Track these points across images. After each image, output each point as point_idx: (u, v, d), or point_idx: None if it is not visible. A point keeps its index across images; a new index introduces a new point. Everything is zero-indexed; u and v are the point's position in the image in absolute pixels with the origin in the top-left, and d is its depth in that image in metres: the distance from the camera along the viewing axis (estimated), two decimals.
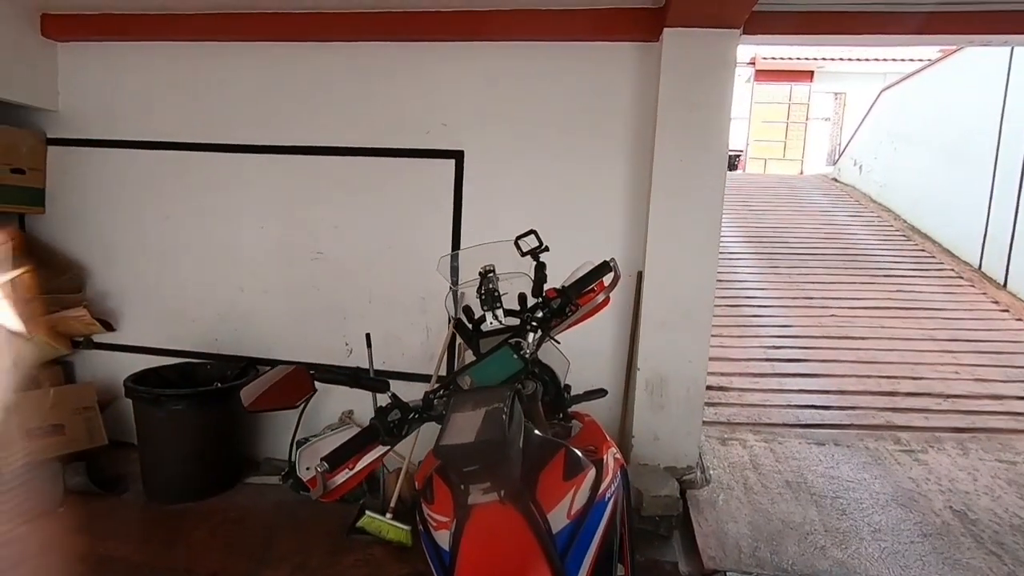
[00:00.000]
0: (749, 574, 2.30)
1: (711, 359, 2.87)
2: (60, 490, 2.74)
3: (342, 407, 3.18)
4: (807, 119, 14.32)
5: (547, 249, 1.46)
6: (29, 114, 3.27)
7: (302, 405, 1.29)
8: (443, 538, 1.06)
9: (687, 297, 2.74)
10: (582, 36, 2.81)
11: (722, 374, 4.21)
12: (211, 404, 2.89)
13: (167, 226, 3.29)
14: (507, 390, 1.13)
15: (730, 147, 2.91)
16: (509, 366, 1.26)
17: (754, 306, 5.49)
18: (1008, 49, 5.95)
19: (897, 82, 9.23)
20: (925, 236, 7.27)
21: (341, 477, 1.11)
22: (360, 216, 3.12)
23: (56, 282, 3.15)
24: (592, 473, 1.14)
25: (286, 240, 3.20)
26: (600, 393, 1.55)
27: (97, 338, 3.33)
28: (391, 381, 1.29)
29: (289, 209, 3.18)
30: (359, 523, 2.57)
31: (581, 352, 1.67)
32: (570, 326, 1.43)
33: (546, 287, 1.44)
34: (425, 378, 2.99)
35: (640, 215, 2.83)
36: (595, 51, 2.84)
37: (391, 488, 2.70)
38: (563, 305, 1.38)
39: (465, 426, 1.02)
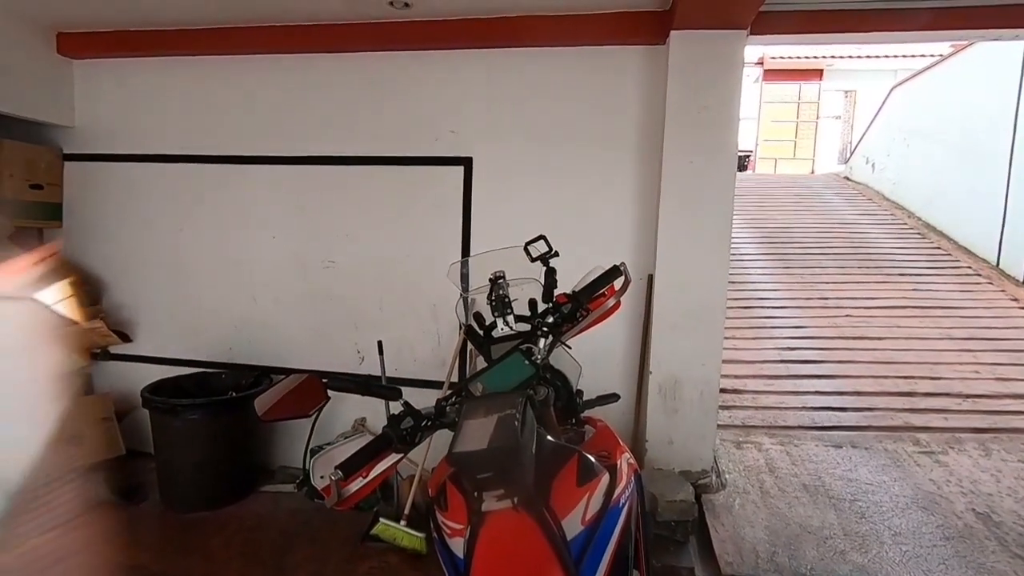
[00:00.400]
0: None
1: (724, 361, 2.85)
2: (78, 500, 2.77)
3: (355, 415, 3.20)
4: (817, 118, 14.19)
5: (557, 254, 1.47)
6: (46, 130, 3.33)
7: (315, 414, 1.30)
8: (457, 545, 1.06)
9: (699, 299, 2.73)
10: (589, 41, 2.82)
11: (736, 376, 4.18)
12: (226, 413, 2.92)
13: (181, 238, 3.34)
14: (519, 396, 1.13)
15: (739, 148, 2.90)
16: (521, 372, 1.26)
17: (767, 307, 5.44)
18: (1021, 43, 5.86)
19: (908, 79, 9.13)
20: (940, 233, 7.17)
21: (355, 485, 1.11)
22: (371, 224, 3.14)
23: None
24: (606, 478, 1.13)
25: (298, 250, 3.23)
26: (613, 398, 1.54)
27: (113, 349, 3.38)
28: (403, 388, 1.29)
29: (301, 219, 3.21)
30: (373, 530, 2.57)
31: (592, 356, 1.67)
32: (581, 331, 1.43)
33: (556, 292, 1.44)
34: (437, 384, 3.00)
35: (650, 218, 2.83)
36: (602, 55, 2.84)
37: (405, 495, 2.70)
38: (574, 310, 1.38)
39: (478, 433, 1.02)
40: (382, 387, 1.27)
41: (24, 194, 3.18)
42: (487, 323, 1.49)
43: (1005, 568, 2.32)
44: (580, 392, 1.43)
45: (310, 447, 3.05)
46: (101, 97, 3.34)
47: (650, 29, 2.72)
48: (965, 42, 6.96)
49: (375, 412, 3.15)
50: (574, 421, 1.42)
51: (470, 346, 2.92)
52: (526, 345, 1.30)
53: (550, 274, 1.46)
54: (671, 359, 2.77)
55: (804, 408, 3.82)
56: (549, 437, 1.18)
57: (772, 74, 13.86)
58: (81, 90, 3.35)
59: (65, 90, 3.31)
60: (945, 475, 3.02)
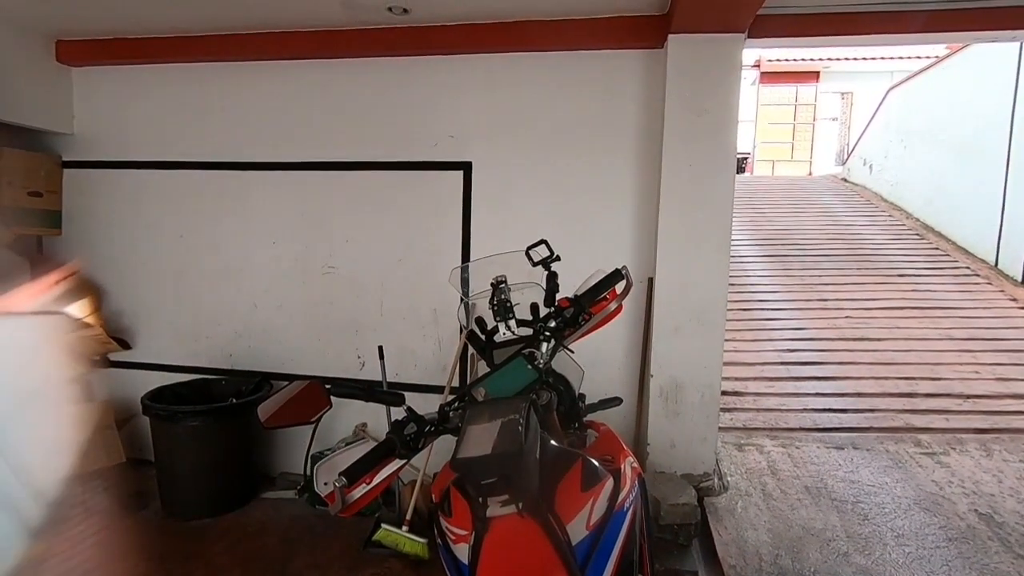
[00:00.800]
0: None
1: (725, 364, 2.85)
2: (78, 508, 2.76)
3: (355, 420, 3.19)
4: (814, 120, 14.23)
5: (558, 259, 1.47)
6: (45, 138, 3.34)
7: (317, 420, 1.30)
8: (462, 551, 1.06)
9: (699, 302, 2.73)
10: (587, 45, 2.83)
11: (737, 379, 4.18)
12: (227, 420, 2.91)
13: (181, 245, 3.34)
14: (523, 401, 1.13)
15: (737, 150, 2.90)
16: (523, 377, 1.26)
17: (767, 309, 5.45)
18: (1017, 44, 5.89)
19: (904, 80, 9.17)
20: (939, 234, 7.19)
21: (359, 491, 1.11)
22: (370, 229, 3.14)
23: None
24: (610, 483, 1.13)
25: (298, 255, 3.23)
26: (615, 401, 1.54)
27: (113, 356, 3.37)
28: (404, 393, 1.29)
29: (300, 225, 3.22)
30: (375, 536, 2.56)
31: (594, 360, 1.67)
32: (583, 335, 1.43)
33: (558, 296, 1.44)
34: (438, 389, 2.99)
35: (650, 221, 2.83)
36: (600, 59, 2.85)
37: (406, 501, 2.69)
38: (576, 314, 1.38)
39: (482, 438, 1.02)
40: (386, 393, 1.26)
41: (23, 201, 3.18)
42: (489, 328, 1.49)
43: (1008, 569, 2.32)
44: (583, 396, 1.43)
45: (311, 453, 3.05)
46: (100, 104, 3.34)
47: (648, 33, 2.73)
48: (960, 44, 6.99)
49: (376, 418, 3.15)
50: (577, 425, 1.41)
51: (471, 350, 2.92)
52: (529, 350, 1.30)
53: (552, 278, 1.46)
54: (672, 362, 2.77)
55: (805, 410, 3.82)
56: (553, 442, 1.17)
57: (769, 76, 13.91)
58: (80, 97, 3.35)
59: (64, 97, 3.31)
60: (947, 476, 3.02)
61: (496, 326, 1.47)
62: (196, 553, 2.60)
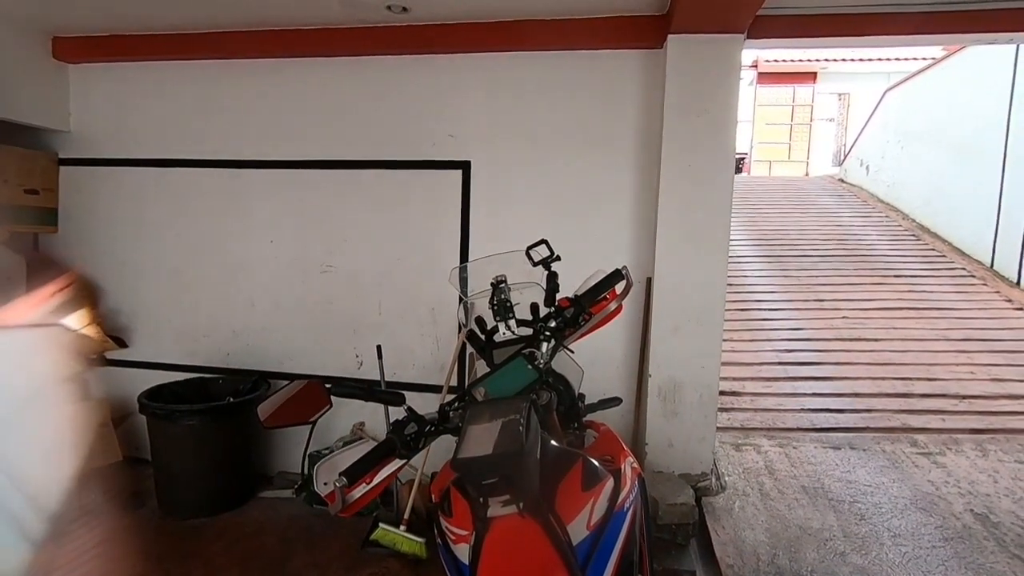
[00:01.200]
0: None
1: (722, 364, 2.85)
2: (75, 507, 2.75)
3: (353, 420, 3.19)
4: (811, 120, 14.28)
5: (559, 258, 1.47)
6: (42, 135, 3.32)
7: (316, 420, 1.30)
8: (462, 551, 1.05)
9: (698, 302, 2.73)
10: (586, 45, 2.83)
11: (734, 379, 4.19)
12: (224, 419, 2.90)
13: (178, 243, 3.32)
14: (523, 401, 1.13)
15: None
16: (524, 376, 1.26)
17: (764, 310, 5.46)
18: (1014, 46, 5.92)
19: (901, 81, 9.20)
20: (935, 235, 7.22)
21: (359, 491, 1.10)
22: (369, 228, 3.14)
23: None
24: (611, 483, 1.13)
25: (296, 254, 3.22)
26: (615, 401, 1.54)
27: (110, 354, 3.36)
28: (403, 393, 1.29)
29: (298, 223, 3.21)
30: (373, 536, 2.56)
31: (592, 360, 1.67)
32: (583, 335, 1.43)
33: (558, 296, 1.44)
34: (436, 388, 2.99)
35: (649, 221, 2.83)
36: (600, 59, 2.85)
37: (404, 500, 2.69)
38: (576, 314, 1.38)
39: (482, 438, 1.02)
40: (386, 393, 1.26)
41: (19, 199, 3.16)
42: (489, 327, 1.49)
43: (1004, 569, 2.33)
44: (582, 396, 1.43)
45: (309, 452, 3.04)
46: (97, 101, 3.33)
47: (647, 33, 2.73)
48: (957, 45, 7.02)
49: (374, 417, 3.14)
50: (576, 425, 1.41)
51: (469, 350, 2.92)
52: (529, 349, 1.30)
53: (552, 278, 1.46)
54: (670, 362, 2.78)
55: (802, 410, 3.83)
56: (553, 442, 1.17)
57: (766, 77, 13.94)
58: (77, 94, 3.34)
59: (60, 94, 3.30)
60: (943, 476, 3.04)
61: (496, 326, 1.47)
62: (194, 552, 2.59)
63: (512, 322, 1.44)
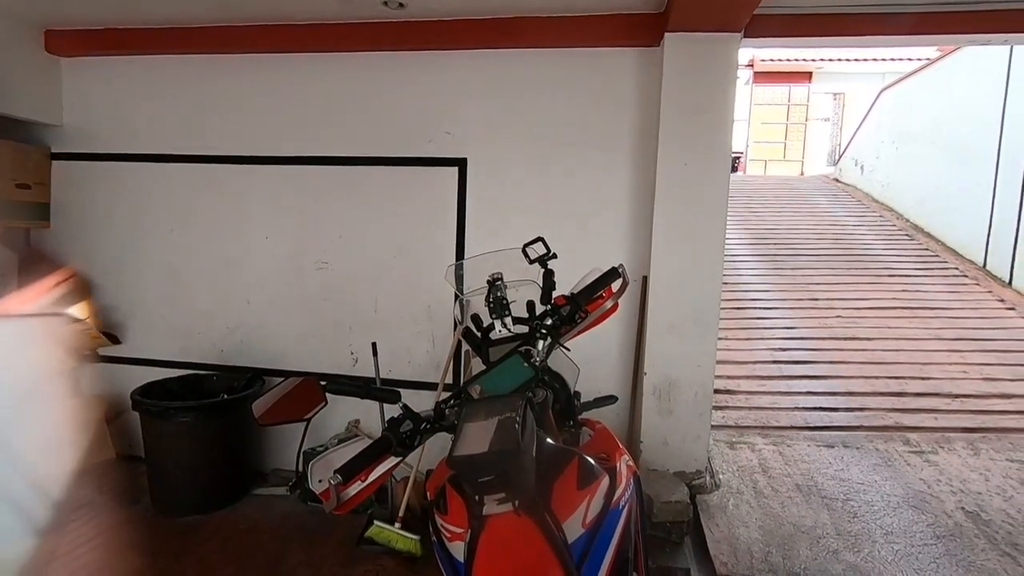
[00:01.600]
0: None
1: (717, 362, 2.86)
2: (72, 501, 2.74)
3: (348, 417, 3.18)
4: (807, 120, 14.32)
5: (555, 256, 1.46)
6: (34, 129, 3.29)
7: (312, 417, 1.29)
8: (457, 549, 1.05)
9: (693, 300, 2.74)
10: (583, 43, 2.82)
11: (729, 377, 4.20)
12: (218, 416, 2.89)
13: (172, 239, 3.30)
14: (519, 399, 1.13)
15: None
16: (520, 374, 1.26)
17: (759, 308, 5.48)
18: (1008, 47, 5.95)
19: (896, 82, 9.24)
20: (928, 235, 7.26)
21: (354, 489, 1.10)
22: (364, 225, 3.13)
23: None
24: (606, 481, 1.13)
25: (291, 251, 3.21)
26: (610, 400, 1.55)
27: (103, 351, 3.34)
28: (399, 390, 1.28)
29: (293, 220, 3.19)
30: (368, 533, 2.56)
31: (588, 358, 1.67)
32: (579, 333, 1.43)
33: (555, 294, 1.44)
34: (431, 386, 2.99)
35: (645, 219, 2.83)
36: (597, 57, 2.84)
37: (399, 498, 2.69)
38: (572, 312, 1.38)
39: (478, 436, 1.02)
40: (382, 390, 1.26)
41: (11, 194, 3.13)
42: (485, 325, 1.49)
43: (995, 566, 2.35)
44: (578, 394, 1.43)
45: (303, 449, 3.03)
46: (90, 96, 3.30)
47: (644, 31, 2.73)
48: (952, 46, 7.05)
49: (369, 414, 3.14)
50: (572, 423, 1.41)
51: (465, 348, 2.91)
52: (525, 347, 1.30)
53: (549, 276, 1.46)
54: (666, 360, 2.78)
55: (796, 408, 3.85)
56: (549, 440, 1.17)
57: (762, 76, 13.97)
58: (69, 88, 3.31)
59: (53, 88, 3.27)
60: (935, 474, 3.06)
61: (492, 323, 1.47)
62: (188, 550, 2.58)
63: (508, 320, 1.45)
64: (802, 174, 13.30)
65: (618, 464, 1.24)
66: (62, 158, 3.35)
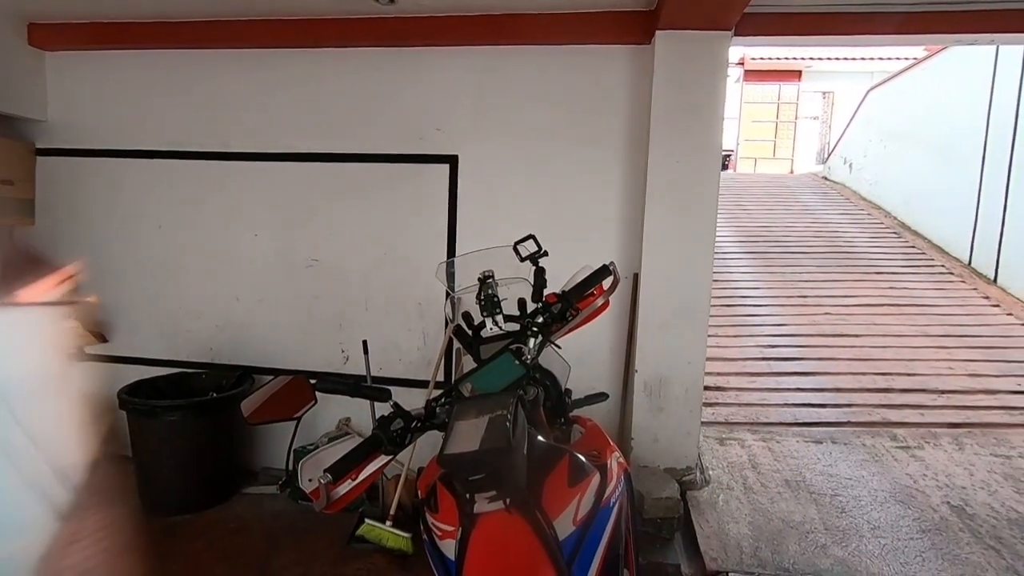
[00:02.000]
0: (751, 574, 2.30)
1: (707, 359, 2.87)
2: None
3: (338, 415, 3.17)
4: (796, 118, 14.43)
5: (546, 254, 1.46)
6: (17, 124, 3.23)
7: (301, 416, 1.28)
8: (448, 547, 1.05)
9: (684, 298, 2.75)
10: (574, 40, 2.82)
11: (719, 374, 4.23)
12: (207, 414, 2.87)
13: (160, 236, 3.27)
14: (510, 396, 1.13)
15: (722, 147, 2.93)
16: (511, 372, 1.25)
17: (749, 305, 5.52)
18: (994, 46, 6.02)
19: (884, 81, 9.32)
20: (915, 233, 7.34)
21: (344, 488, 1.09)
22: (355, 223, 3.11)
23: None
24: (597, 478, 1.13)
25: (281, 248, 3.18)
26: (601, 397, 1.55)
27: (89, 349, 3.29)
28: (389, 388, 1.28)
29: (283, 217, 3.17)
30: (359, 531, 2.55)
31: (579, 355, 1.67)
32: (570, 330, 1.43)
33: (546, 292, 1.44)
34: (423, 384, 2.98)
35: (636, 217, 2.84)
36: (588, 55, 2.84)
37: (390, 496, 2.68)
38: (563, 310, 1.38)
39: (469, 434, 1.02)
40: (372, 388, 1.25)
41: None
42: (476, 323, 1.48)
43: (979, 559, 2.39)
44: (569, 392, 1.43)
45: (294, 448, 3.01)
46: (75, 90, 3.25)
47: (636, 29, 2.73)
48: (938, 46, 7.12)
49: (360, 412, 3.13)
50: (563, 421, 1.42)
51: (456, 345, 2.91)
52: (516, 345, 1.30)
53: (540, 274, 1.45)
54: (657, 357, 2.79)
55: (785, 405, 3.88)
56: (540, 437, 1.17)
57: (752, 75, 14.05)
58: (54, 83, 3.26)
59: (37, 83, 3.21)
60: (921, 469, 3.10)
61: (483, 321, 1.46)
62: (177, 550, 2.56)
63: (499, 317, 1.44)
64: (792, 172, 13.40)
65: (609, 461, 1.24)
66: (47, 154, 3.30)
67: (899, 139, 8.43)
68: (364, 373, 2.93)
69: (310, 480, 1.07)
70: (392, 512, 2.60)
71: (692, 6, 2.43)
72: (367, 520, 2.56)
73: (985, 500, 2.81)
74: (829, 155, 11.42)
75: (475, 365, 1.33)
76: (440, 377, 2.90)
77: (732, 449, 3.32)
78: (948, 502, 2.80)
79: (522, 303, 1.43)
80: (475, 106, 2.96)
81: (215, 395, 2.98)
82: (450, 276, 1.67)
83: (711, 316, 2.84)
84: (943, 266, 6.40)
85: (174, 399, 2.91)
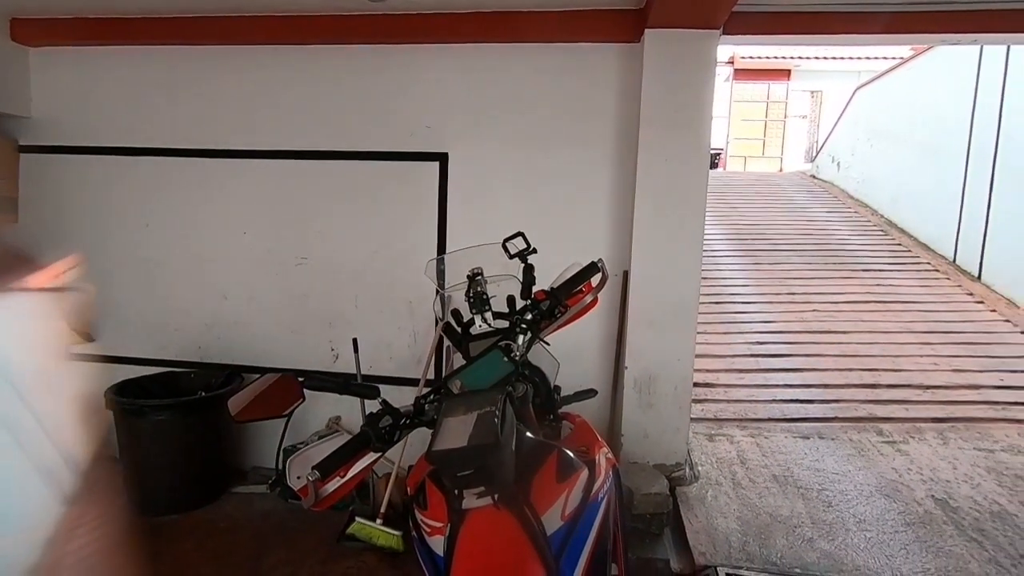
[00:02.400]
0: (739, 569, 2.32)
1: (696, 356, 2.90)
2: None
3: (329, 413, 3.15)
4: (785, 117, 14.54)
5: (535, 251, 1.47)
6: (1, 121, 3.18)
7: (290, 413, 1.28)
8: (437, 544, 1.05)
9: (673, 295, 2.77)
10: (564, 38, 2.83)
11: (708, 371, 4.26)
12: (195, 414, 2.85)
13: (147, 234, 3.23)
14: (499, 393, 1.13)
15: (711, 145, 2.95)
16: (499, 369, 1.26)
17: (737, 303, 5.56)
18: (978, 46, 6.09)
19: (871, 80, 9.42)
20: (902, 231, 7.42)
21: (332, 485, 1.09)
22: (344, 220, 3.10)
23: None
24: (585, 474, 1.14)
25: (270, 246, 3.16)
26: (590, 393, 1.56)
27: (75, 349, 3.25)
28: (379, 386, 1.28)
29: (272, 215, 3.15)
30: (349, 529, 2.55)
31: (568, 352, 1.68)
32: (560, 327, 1.44)
33: (535, 289, 1.44)
34: (413, 382, 2.97)
35: (625, 214, 2.85)
36: (578, 53, 2.85)
37: (381, 494, 2.68)
38: (552, 307, 1.38)
39: (457, 430, 1.02)
40: (360, 386, 1.25)
41: None
42: (465, 320, 1.48)
43: (962, 551, 2.43)
44: (558, 388, 1.44)
45: (283, 447, 3.00)
46: (60, 87, 3.21)
47: (625, 27, 2.74)
48: (925, 45, 7.20)
49: (350, 410, 3.11)
50: (552, 417, 1.42)
51: (446, 343, 2.91)
52: (505, 342, 1.30)
53: (528, 271, 1.46)
54: (646, 354, 2.81)
55: (774, 401, 3.92)
56: (529, 434, 1.18)
57: (742, 74, 14.14)
58: (38, 79, 3.21)
59: (20, 79, 3.16)
60: (906, 463, 3.14)
61: (472, 318, 1.47)
62: (165, 551, 2.54)
63: (488, 315, 1.44)
64: (781, 171, 13.50)
65: (597, 457, 1.25)
66: (31, 151, 3.25)
67: (886, 138, 8.52)
68: (354, 371, 2.92)
69: (298, 477, 1.07)
70: (383, 510, 2.60)
71: (681, 5, 2.44)
72: (357, 518, 2.55)
73: (968, 493, 2.86)
74: (817, 154, 11.52)
75: (464, 362, 1.33)
76: (431, 375, 2.90)
77: (721, 445, 3.34)
78: (932, 495, 2.84)
79: (511, 300, 1.44)
80: (465, 104, 2.96)
81: (204, 394, 2.96)
82: (439, 273, 1.67)
83: (700, 313, 2.87)
84: (928, 263, 6.48)
85: (162, 399, 2.88)
